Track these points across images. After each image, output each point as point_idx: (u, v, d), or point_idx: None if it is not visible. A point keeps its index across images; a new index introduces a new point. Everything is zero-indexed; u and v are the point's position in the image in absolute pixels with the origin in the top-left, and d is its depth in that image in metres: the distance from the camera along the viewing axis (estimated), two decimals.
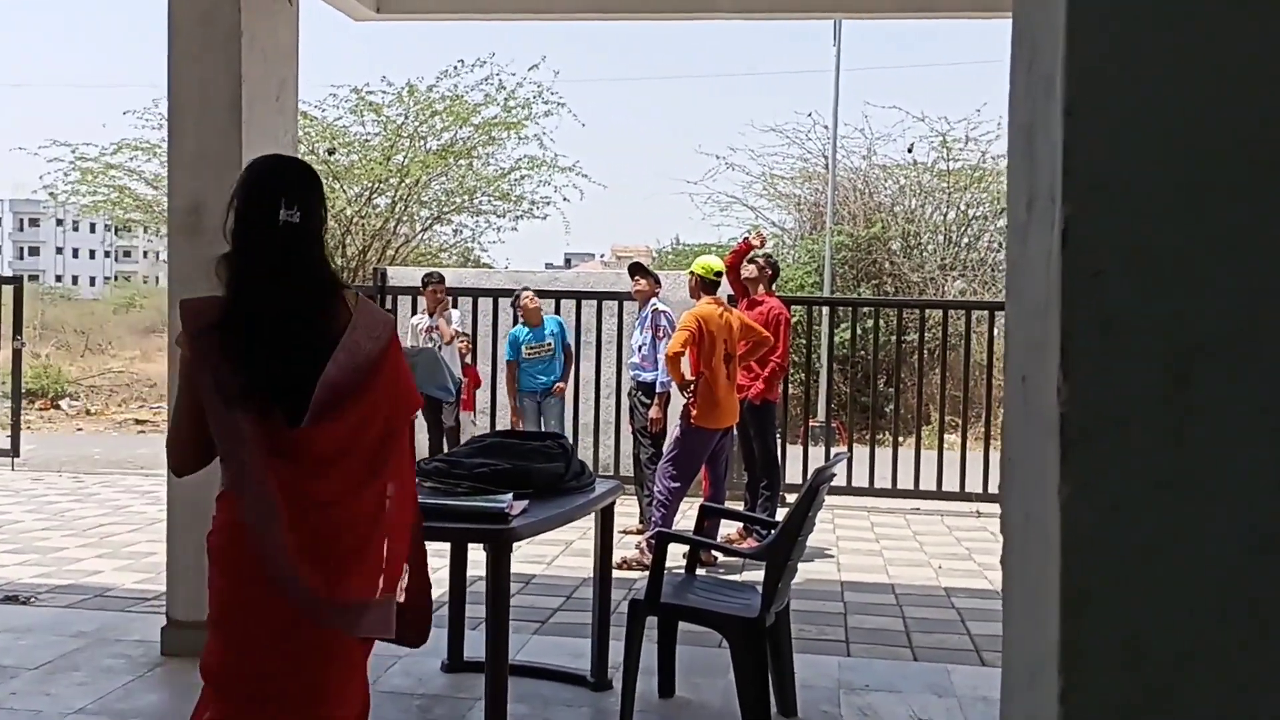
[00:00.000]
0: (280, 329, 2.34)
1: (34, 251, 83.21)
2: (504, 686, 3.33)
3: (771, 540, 3.62)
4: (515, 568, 5.92)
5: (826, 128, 19.81)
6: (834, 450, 9.38)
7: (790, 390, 9.53)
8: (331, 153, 17.29)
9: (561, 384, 8.41)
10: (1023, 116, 1.12)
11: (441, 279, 8.86)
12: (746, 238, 7.12)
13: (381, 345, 2.42)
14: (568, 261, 47.22)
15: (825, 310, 12.07)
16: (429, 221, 19.49)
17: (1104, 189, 0.98)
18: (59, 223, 73.34)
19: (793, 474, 8.34)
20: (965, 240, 18.64)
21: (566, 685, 4.17)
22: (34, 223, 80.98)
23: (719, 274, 6.63)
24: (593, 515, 4.06)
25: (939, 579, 6.43)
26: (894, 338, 10.03)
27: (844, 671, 4.51)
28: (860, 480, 8.71)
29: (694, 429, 6.36)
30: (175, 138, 4.36)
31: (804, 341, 10.27)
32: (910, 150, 19.20)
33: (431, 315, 8.68)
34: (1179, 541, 0.99)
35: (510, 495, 3.50)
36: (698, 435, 6.38)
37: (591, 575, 6.01)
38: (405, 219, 18.73)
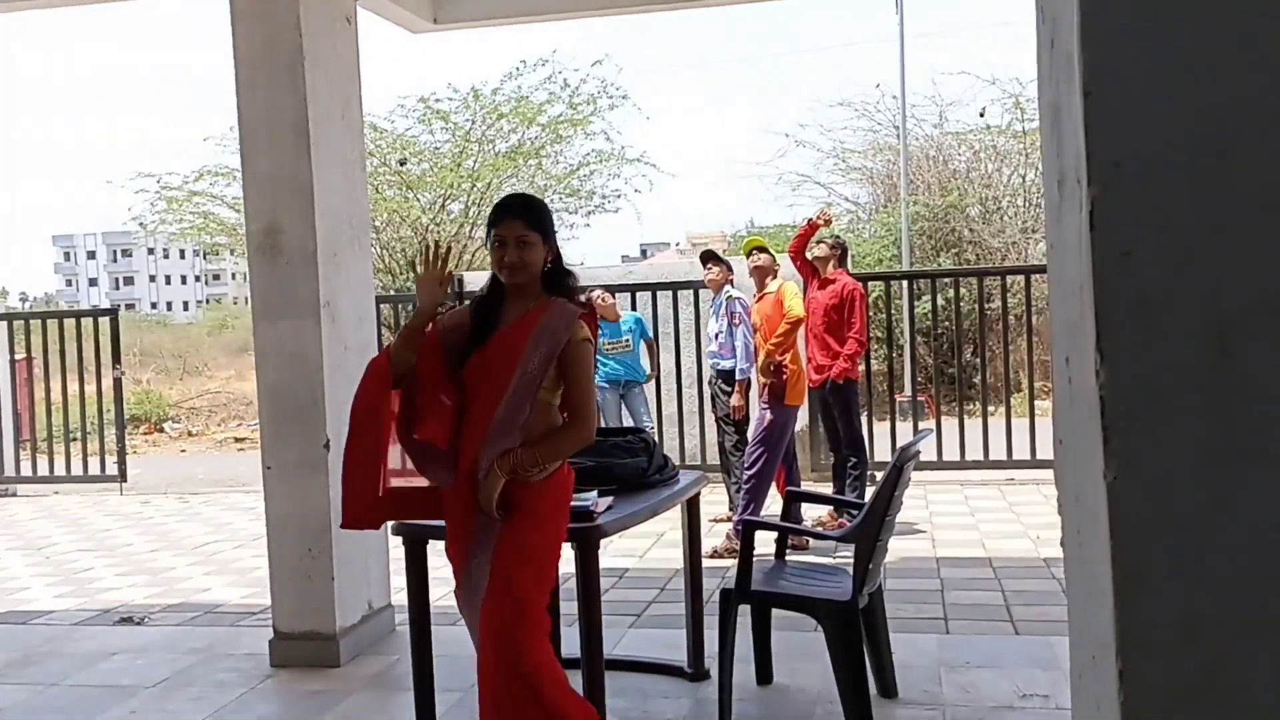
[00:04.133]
0: None
1: (129, 281, 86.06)
2: (601, 681, 3.36)
3: (858, 522, 3.59)
4: (608, 562, 5.98)
5: (895, 98, 19.55)
6: (922, 424, 9.26)
7: (874, 366, 9.42)
8: (403, 163, 17.55)
9: (650, 378, 8.44)
10: (1049, 95, 1.09)
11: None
12: (811, 219, 7.06)
13: None
14: (644, 252, 47.26)
15: (904, 284, 11.88)
16: None
17: (1128, 168, 0.95)
18: (150, 251, 75.72)
19: (883, 451, 8.26)
20: None
21: (664, 677, 4.19)
22: (126, 253, 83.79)
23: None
24: (680, 506, 4.07)
25: (1038, 550, 6.31)
26: (977, 306, 9.84)
27: (944, 649, 4.45)
28: (951, 454, 8.58)
29: (785, 408, 6.36)
30: (248, 162, 4.47)
31: (884, 316, 10.14)
32: (982, 114, 18.83)
33: None
34: (1228, 517, 0.96)
35: (595, 493, 3.53)
36: (790, 413, 6.40)
37: (683, 566, 6.07)
38: (480, 223, 18.91)
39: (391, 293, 14.91)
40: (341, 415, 4.61)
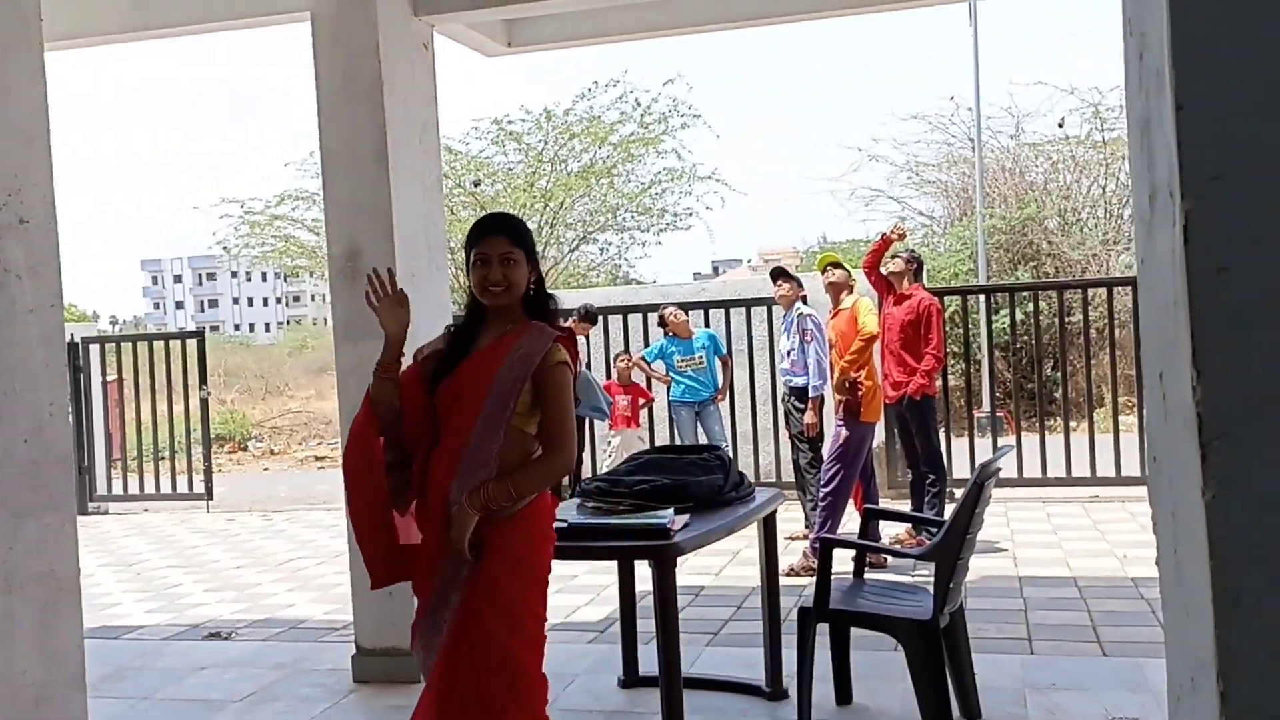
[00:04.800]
0: None
1: (213, 304, 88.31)
2: (679, 700, 3.36)
3: (938, 539, 3.54)
4: (684, 579, 5.97)
5: (970, 110, 19.33)
6: (1001, 441, 9.11)
7: (951, 382, 9.29)
8: (477, 184, 17.81)
9: (719, 394, 8.43)
10: (1138, 109, 1.08)
11: (592, 318, 9.02)
12: (884, 234, 7.00)
13: None
14: (715, 269, 47.25)
15: (982, 298, 11.69)
16: (576, 243, 19.83)
17: (1223, 182, 0.94)
18: (233, 275, 77.68)
19: (961, 468, 8.13)
20: (1128, 212, 17.79)
21: (742, 696, 4.17)
22: (211, 277, 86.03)
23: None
24: (756, 524, 4.05)
25: (1125, 569, 6.16)
26: (1057, 320, 9.66)
27: (1028, 670, 4.36)
28: (1032, 470, 8.42)
29: (861, 424, 6.31)
30: (329, 188, 4.57)
31: (961, 331, 10.01)
32: (1061, 124, 18.53)
33: None
34: None
35: (671, 510, 3.53)
36: (866, 430, 6.34)
37: (759, 584, 6.03)
38: (553, 242, 19.08)
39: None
40: None
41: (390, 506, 2.91)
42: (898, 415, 6.96)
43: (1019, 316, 10.48)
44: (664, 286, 11.11)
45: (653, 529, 3.40)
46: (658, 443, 9.51)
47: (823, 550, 3.66)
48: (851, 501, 6.55)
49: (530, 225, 13.31)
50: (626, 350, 9.21)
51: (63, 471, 2.82)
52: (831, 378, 6.68)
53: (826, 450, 6.65)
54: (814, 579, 6.18)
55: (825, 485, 6.35)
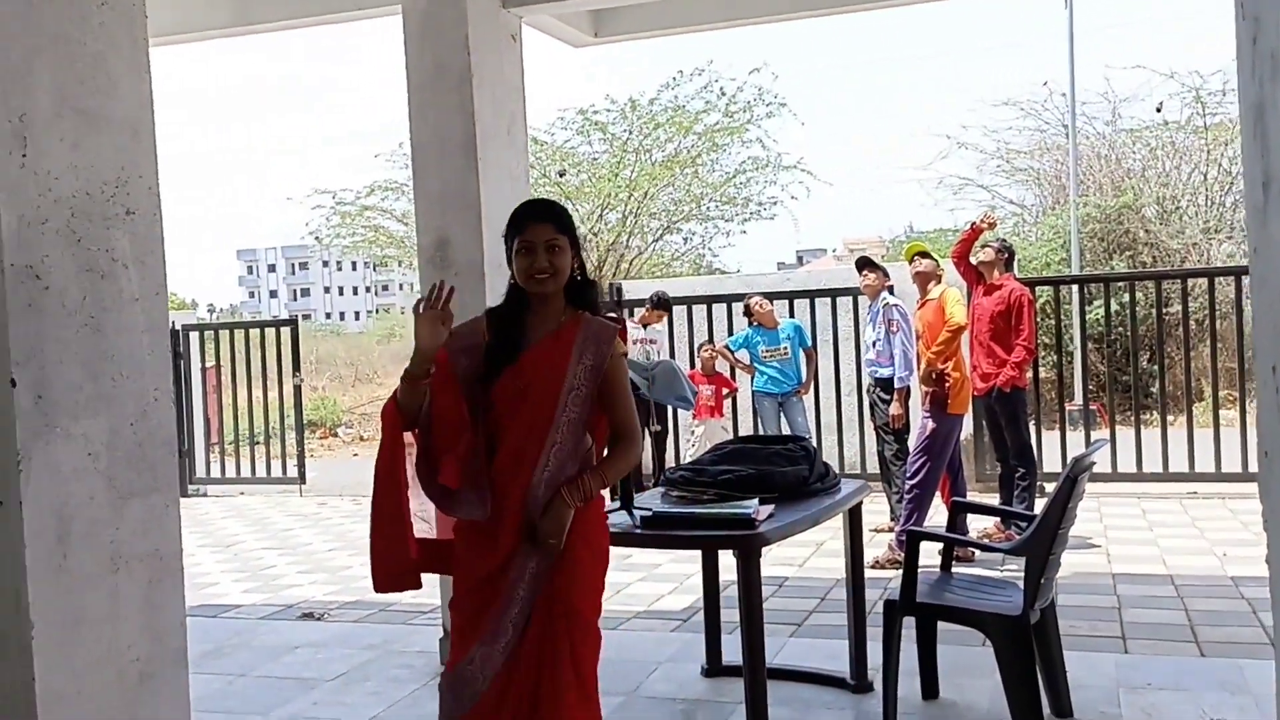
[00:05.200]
0: None
1: (305, 293, 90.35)
2: (763, 690, 3.35)
3: (1030, 534, 3.48)
4: (767, 570, 5.94)
5: (1064, 95, 18.86)
6: (1094, 434, 8.89)
7: (1042, 374, 9.09)
8: (562, 174, 17.91)
9: (802, 388, 8.38)
10: (1250, 95, 1.04)
11: (665, 304, 9.05)
12: (974, 223, 6.87)
13: None
14: (800, 259, 46.87)
15: (1075, 289, 11.42)
16: (659, 232, 19.83)
17: None
18: (324, 264, 79.34)
19: (1051, 462, 7.97)
20: (1230, 200, 17.19)
21: (826, 688, 4.15)
22: (303, 266, 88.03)
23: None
24: (841, 516, 4.02)
25: (1224, 567, 5.98)
26: (1154, 311, 9.38)
27: (1122, 669, 4.26)
28: (1127, 465, 8.21)
29: (949, 416, 6.21)
30: (419, 179, 4.65)
31: (1053, 322, 9.78)
32: (1159, 109, 17.98)
33: (645, 328, 8.94)
34: None
35: (756, 500, 3.53)
36: (953, 422, 6.25)
37: (843, 576, 5.98)
38: (636, 232, 19.11)
39: None
40: None
41: (406, 518, 2.92)
42: (986, 408, 6.84)
43: (1114, 308, 10.20)
44: (748, 276, 11.06)
45: (737, 519, 3.40)
46: (741, 433, 9.49)
47: (910, 543, 3.62)
48: (939, 495, 6.46)
49: (614, 215, 13.41)
50: (710, 340, 9.20)
51: (167, 455, 2.92)
52: (918, 369, 6.59)
53: (912, 442, 6.57)
54: (899, 572, 6.14)
55: (911, 478, 6.27)
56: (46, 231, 2.62)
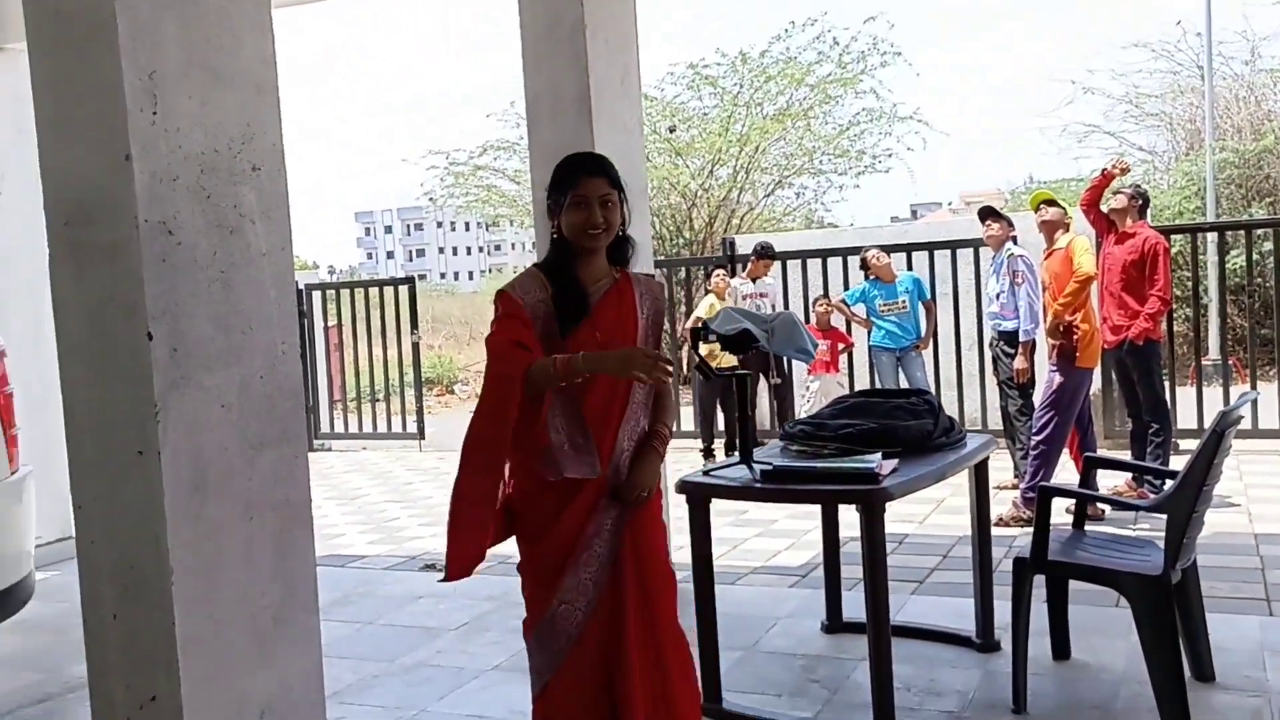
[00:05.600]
0: None
1: (420, 253, 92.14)
2: (887, 647, 3.29)
3: (1174, 490, 3.32)
4: (888, 527, 5.82)
5: (1199, 35, 17.92)
6: (1233, 390, 8.48)
7: (1176, 327, 8.70)
8: (672, 130, 17.77)
9: (921, 343, 8.20)
10: None
11: (770, 253, 8.92)
12: (1105, 169, 6.55)
13: None
14: (914, 213, 45.82)
15: (1211, 237, 10.86)
16: (771, 187, 19.57)
17: None
18: (438, 225, 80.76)
19: (1186, 417, 7.64)
20: None
21: (951, 646, 4.06)
22: (418, 227, 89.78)
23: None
24: (965, 472, 3.91)
25: None
26: None
27: (1267, 632, 4.07)
28: (1269, 421, 7.81)
29: (1077, 370, 5.99)
30: (533, 133, 4.63)
31: (1189, 273, 9.34)
32: None
33: (754, 281, 8.81)
34: None
35: (879, 455, 3.44)
36: (1082, 376, 6.02)
37: (966, 533, 5.83)
38: (747, 187, 18.90)
39: (659, 258, 15.15)
40: None
41: (495, 499, 2.87)
42: (1117, 361, 6.56)
43: (1254, 257, 9.67)
44: (864, 229, 10.82)
45: (860, 473, 3.33)
46: (856, 389, 9.34)
47: (1041, 499, 3.49)
48: (1066, 450, 6.24)
49: (725, 171, 13.25)
50: (825, 294, 9.04)
51: (294, 406, 2.98)
52: (1044, 321, 6.36)
53: (1039, 397, 6.35)
54: (1024, 529, 5.98)
55: (1038, 433, 6.07)
56: (177, 188, 2.67)
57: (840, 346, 8.89)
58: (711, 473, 3.63)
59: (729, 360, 8.53)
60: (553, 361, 2.69)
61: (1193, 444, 7.44)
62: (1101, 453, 6.95)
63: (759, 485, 3.43)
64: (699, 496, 3.54)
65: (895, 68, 18.61)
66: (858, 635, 4.22)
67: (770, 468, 3.45)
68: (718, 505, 3.59)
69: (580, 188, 2.80)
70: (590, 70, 4.47)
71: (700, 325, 3.59)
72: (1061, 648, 3.84)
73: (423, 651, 4.40)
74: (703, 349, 3.67)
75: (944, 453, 3.71)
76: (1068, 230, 6.33)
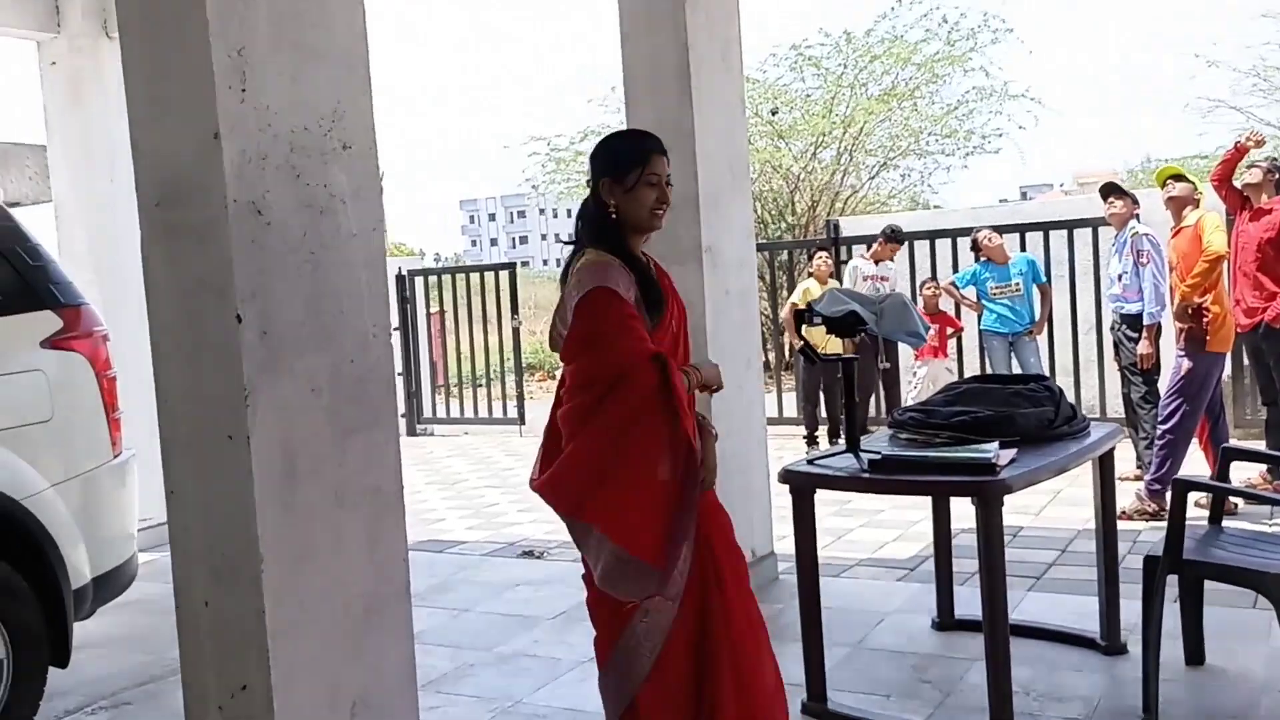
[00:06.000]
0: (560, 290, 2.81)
1: (523, 240, 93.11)
2: (1005, 647, 3.09)
3: None
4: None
5: None
6: None
7: None
8: (774, 112, 17.48)
9: (1036, 328, 7.87)
10: None
11: (900, 236, 8.62)
12: (1238, 142, 6.15)
13: (572, 309, 2.68)
14: (1024, 195, 44.49)
15: None
16: (875, 169, 19.12)
17: None
18: (540, 212, 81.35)
19: None
20: None
21: (1073, 648, 3.82)
22: (521, 215, 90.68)
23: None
24: (1089, 463, 3.67)
25: None
26: None
27: None
28: None
29: (1207, 355, 5.63)
30: (631, 110, 4.50)
31: None
32: None
33: (877, 264, 8.52)
34: None
35: (996, 444, 3.24)
36: (1212, 361, 5.66)
37: (1085, 526, 5.55)
38: (851, 170, 18.50)
39: (761, 241, 14.90)
40: (726, 359, 4.58)
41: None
42: (1252, 345, 6.15)
43: None
44: (974, 210, 10.44)
45: (977, 463, 3.13)
46: (965, 375, 9.02)
47: (1176, 493, 3.24)
48: (1196, 440, 5.89)
49: (828, 153, 12.92)
50: (934, 276, 8.74)
51: (386, 391, 2.91)
52: (1171, 303, 6.01)
53: (1165, 384, 6.00)
54: (1148, 523, 5.66)
55: (1164, 422, 5.74)
56: (267, 167, 2.61)
57: (949, 331, 8.58)
58: (816, 461, 3.47)
59: (834, 345, 8.39)
60: (688, 375, 2.69)
61: None
62: (1234, 443, 6.56)
63: (866, 475, 3.26)
64: (803, 486, 3.38)
65: (1005, 44, 17.96)
66: (971, 633, 4.01)
67: (879, 457, 3.28)
68: (821, 494, 3.43)
69: (653, 165, 2.78)
70: (690, 45, 4.32)
71: (805, 307, 3.42)
72: (1195, 652, 3.59)
73: (519, 641, 4.33)
74: (807, 332, 3.50)
75: (1065, 443, 3.48)
76: (1197, 206, 5.96)
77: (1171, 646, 3.54)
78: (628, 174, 2.78)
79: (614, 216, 2.79)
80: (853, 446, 3.39)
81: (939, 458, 3.21)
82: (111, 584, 3.80)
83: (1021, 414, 3.49)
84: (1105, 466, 3.73)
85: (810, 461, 3.49)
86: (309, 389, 2.69)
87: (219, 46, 2.49)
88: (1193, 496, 3.81)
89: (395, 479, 2.96)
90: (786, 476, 3.40)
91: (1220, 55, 28.22)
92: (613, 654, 2.73)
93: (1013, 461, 3.18)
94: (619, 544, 2.64)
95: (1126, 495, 5.94)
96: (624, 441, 2.63)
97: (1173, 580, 3.43)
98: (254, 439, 2.56)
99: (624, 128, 2.89)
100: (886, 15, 17.20)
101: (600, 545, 2.69)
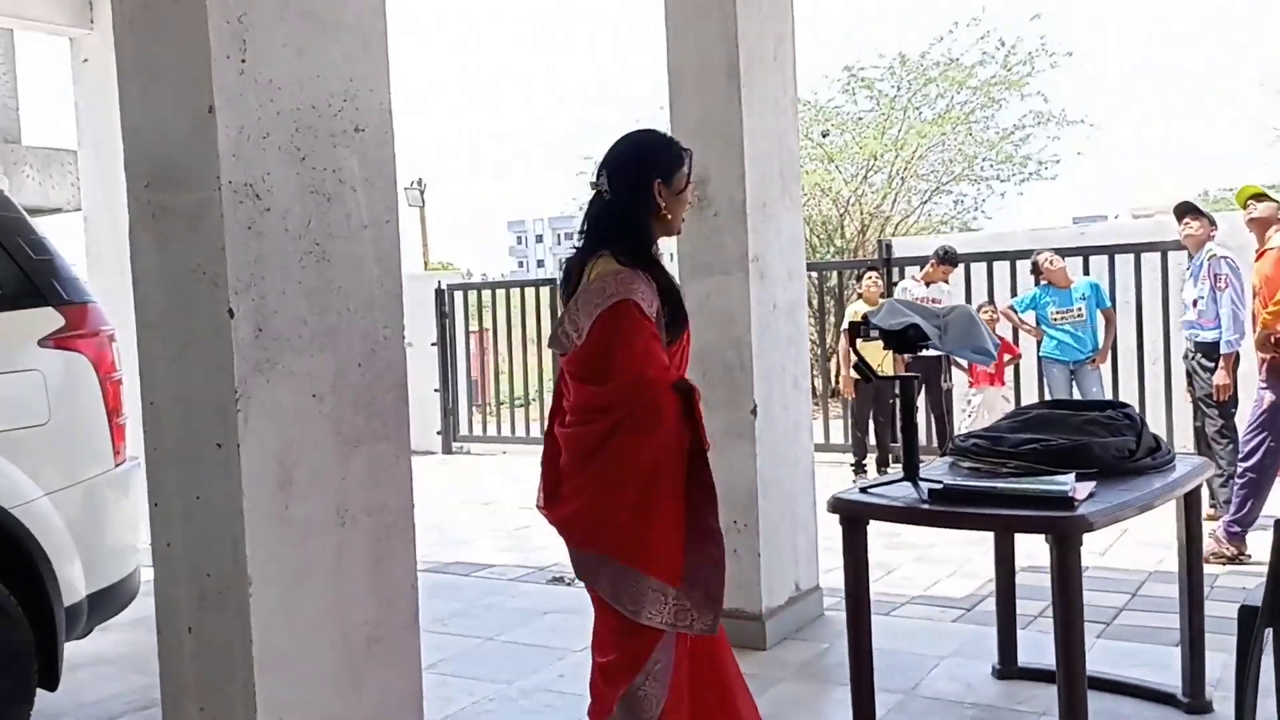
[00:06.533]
0: (561, 281, 2.64)
1: None
2: (1083, 703, 2.75)
3: None
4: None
5: None
6: None
7: None
8: (825, 134, 17.17)
9: (1099, 355, 7.48)
10: None
11: (953, 258, 8.28)
12: None
13: (592, 318, 2.45)
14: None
15: None
16: (928, 194, 18.72)
17: None
18: None
19: None
20: None
21: (1151, 704, 3.45)
22: (568, 236, 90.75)
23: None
24: (1174, 501, 3.31)
25: None
26: None
27: None
28: None
29: None
30: (676, 110, 4.23)
31: None
32: None
33: (929, 286, 8.17)
34: None
35: (1072, 476, 2.91)
36: None
37: (1156, 568, 5.16)
38: (903, 194, 18.13)
39: (809, 262, 14.54)
40: (772, 378, 4.29)
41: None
42: None
43: None
44: (1035, 231, 10.06)
45: (1052, 496, 2.80)
46: (1023, 404, 8.62)
47: (1278, 532, 2.88)
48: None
49: (880, 177, 12.56)
50: (990, 300, 8.37)
51: (396, 400, 2.65)
52: (1252, 331, 5.61)
53: (1243, 418, 5.60)
54: (1225, 567, 5.25)
55: (1245, 460, 5.34)
56: (268, 147, 2.36)
57: (1006, 358, 8.20)
58: (869, 490, 3.15)
59: (883, 368, 8.04)
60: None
61: None
62: None
63: (926, 506, 2.94)
64: (856, 517, 3.06)
65: (1063, 68, 17.57)
66: (1037, 683, 3.67)
67: (940, 486, 2.95)
68: (871, 526, 3.11)
69: (691, 171, 2.65)
70: (740, 39, 4.05)
71: (861, 320, 3.11)
72: None
73: (543, 674, 4.04)
74: (861, 348, 3.19)
75: (1149, 476, 3.13)
76: None
77: (1266, 704, 3.16)
78: (674, 174, 2.62)
79: (667, 219, 2.62)
80: (911, 474, 3.07)
81: (1009, 489, 2.88)
82: (109, 601, 3.55)
83: (1099, 443, 3.15)
84: (1190, 504, 3.37)
85: (863, 490, 3.17)
86: (309, 394, 2.44)
87: (216, 10, 2.25)
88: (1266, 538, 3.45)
89: (405, 496, 2.69)
90: (837, 505, 3.09)
91: None
92: (630, 685, 2.51)
93: (1091, 495, 2.84)
94: (665, 582, 2.46)
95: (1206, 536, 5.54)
96: (655, 484, 2.43)
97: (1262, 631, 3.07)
98: (245, 448, 2.30)
99: (645, 127, 2.68)
100: (943, 38, 16.87)
101: (636, 582, 2.45)
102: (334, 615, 2.49)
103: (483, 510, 7.95)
